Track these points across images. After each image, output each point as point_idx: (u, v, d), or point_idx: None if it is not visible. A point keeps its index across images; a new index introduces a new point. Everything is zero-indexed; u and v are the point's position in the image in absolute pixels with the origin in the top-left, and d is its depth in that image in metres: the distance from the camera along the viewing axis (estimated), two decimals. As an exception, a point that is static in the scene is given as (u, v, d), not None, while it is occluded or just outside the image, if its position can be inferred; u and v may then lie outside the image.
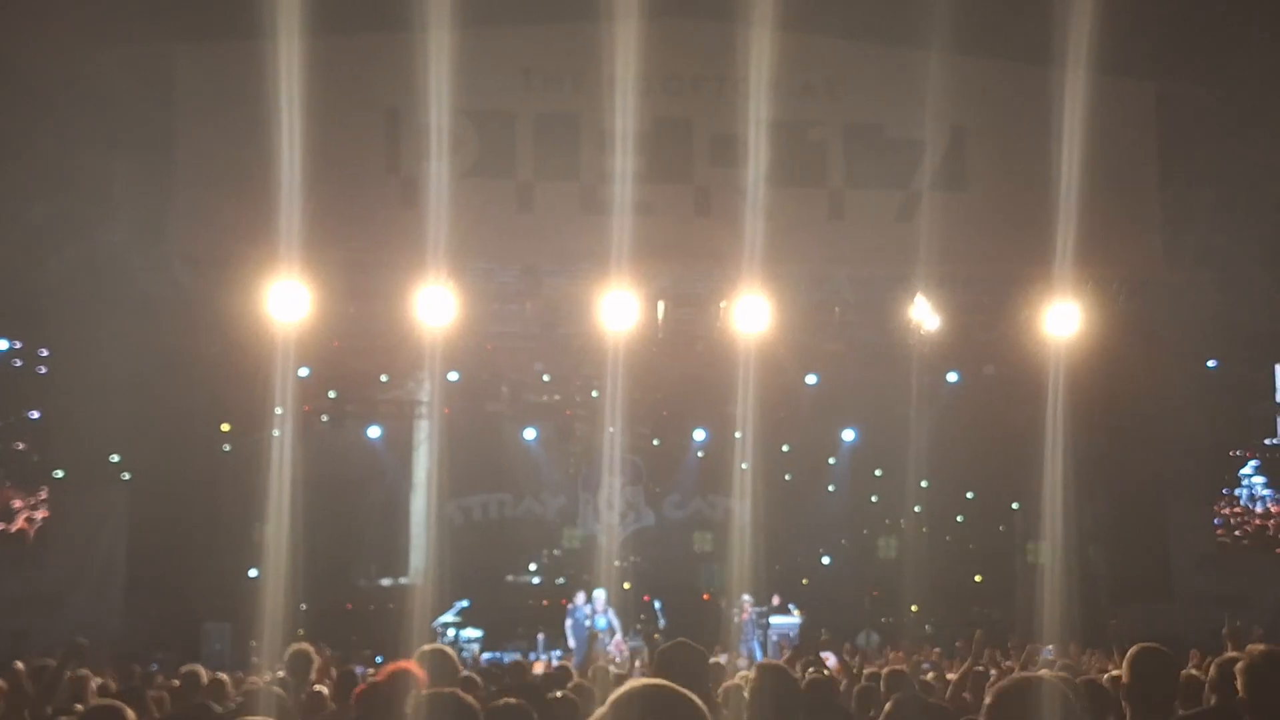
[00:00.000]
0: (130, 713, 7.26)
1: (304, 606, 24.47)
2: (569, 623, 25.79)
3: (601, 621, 25.78)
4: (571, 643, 25.14)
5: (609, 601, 25.85)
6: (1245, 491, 28.13)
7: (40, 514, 25.05)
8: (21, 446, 25.54)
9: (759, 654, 23.93)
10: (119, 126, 21.30)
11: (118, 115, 21.12)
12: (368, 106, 21.54)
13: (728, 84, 21.36)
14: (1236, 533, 27.68)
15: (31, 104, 20.63)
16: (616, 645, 24.76)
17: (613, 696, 4.19)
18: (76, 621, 22.00)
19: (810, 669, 11.15)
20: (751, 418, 23.40)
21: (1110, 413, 24.84)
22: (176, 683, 12.39)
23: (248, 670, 13.27)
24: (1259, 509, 28.00)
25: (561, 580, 31.01)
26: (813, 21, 21.04)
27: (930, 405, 27.00)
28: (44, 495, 25.22)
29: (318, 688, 10.86)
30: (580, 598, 26.11)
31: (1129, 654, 7.50)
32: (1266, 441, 28.24)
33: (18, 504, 25.01)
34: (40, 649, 15.94)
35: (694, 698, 4.17)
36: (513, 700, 7.73)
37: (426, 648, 8.28)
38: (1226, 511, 27.80)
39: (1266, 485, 28.09)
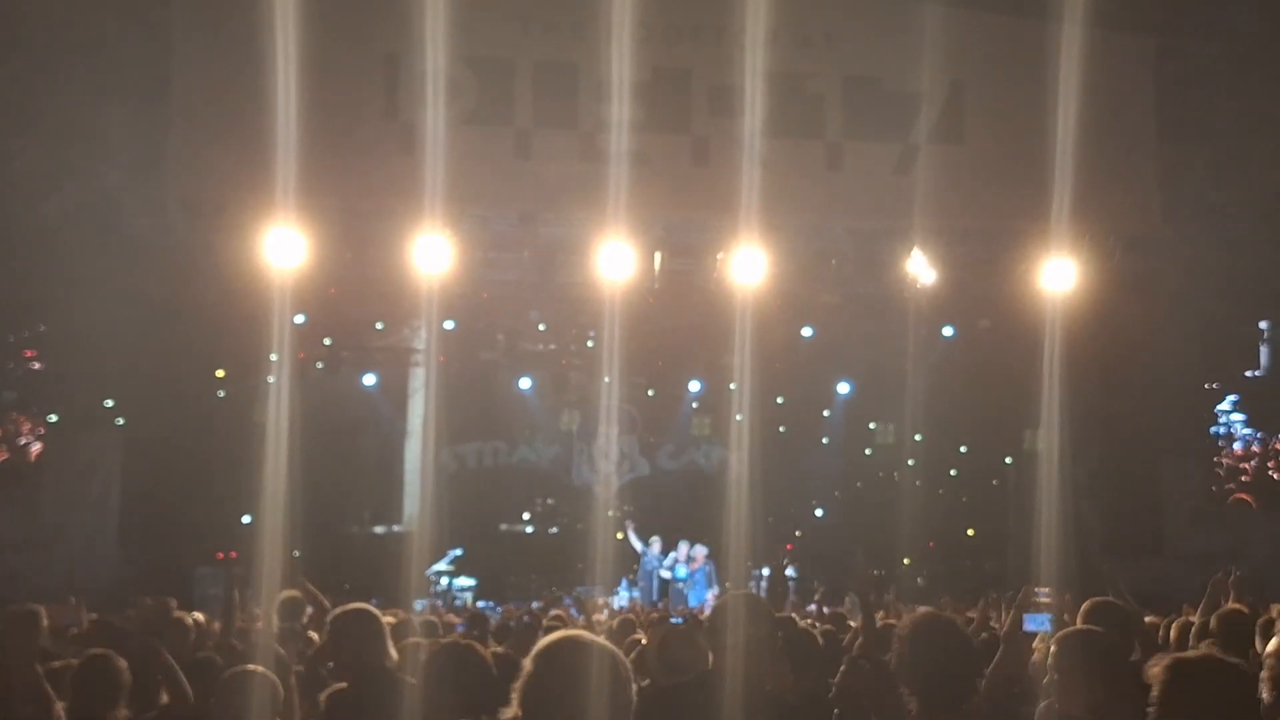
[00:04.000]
0: (122, 662, 7.30)
1: (297, 553, 24.49)
2: (639, 570, 26.12)
3: (681, 571, 26.06)
4: (636, 593, 25.41)
5: (699, 552, 26.20)
6: (1223, 429, 28.16)
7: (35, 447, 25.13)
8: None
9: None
10: (115, 70, 21.21)
11: (114, 57, 21.03)
12: (366, 52, 21.47)
13: (726, 34, 21.26)
14: (1224, 485, 27.74)
15: (28, 45, 20.54)
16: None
17: (534, 650, 4.41)
18: (69, 565, 22.10)
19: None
20: (747, 369, 23.41)
21: (1105, 368, 24.88)
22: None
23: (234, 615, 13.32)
24: (1238, 448, 28.01)
25: (554, 529, 31.09)
26: (813, -27, 21.04)
27: (925, 359, 27.04)
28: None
29: (311, 634, 10.88)
30: (655, 545, 26.45)
31: (1081, 609, 7.51)
32: (1247, 374, 28.18)
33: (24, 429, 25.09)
34: (32, 593, 15.98)
35: (613, 648, 4.40)
36: (460, 640, 7.73)
37: (345, 608, 8.13)
38: (1224, 459, 27.83)
39: (1246, 424, 28.12)
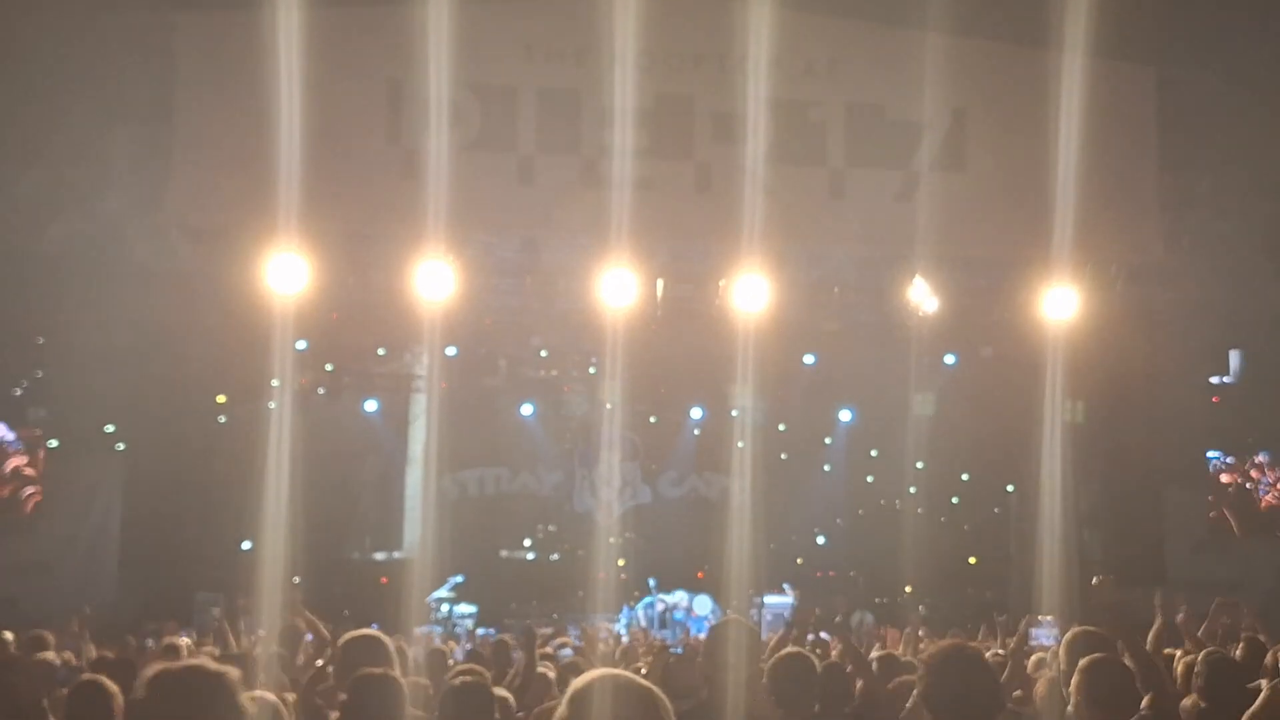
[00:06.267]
0: (114, 687, 7.26)
1: (297, 579, 24.44)
2: (640, 612, 26.16)
3: (680, 615, 26.16)
4: (639, 620, 25.52)
5: (703, 605, 26.32)
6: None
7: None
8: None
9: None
10: (118, 95, 21.23)
11: (116, 84, 21.04)
12: (369, 78, 21.49)
13: (729, 62, 21.31)
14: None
15: (29, 71, 20.55)
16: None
17: (569, 691, 4.11)
18: (68, 590, 22.07)
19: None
20: (749, 396, 23.42)
21: (1107, 396, 24.88)
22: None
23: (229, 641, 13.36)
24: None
25: (556, 556, 31.02)
26: (815, 1, 21.05)
27: (927, 386, 27.04)
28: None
29: (319, 662, 10.84)
30: (653, 585, 26.60)
31: (1066, 638, 7.54)
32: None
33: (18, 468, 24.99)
34: (31, 618, 15.95)
35: (653, 689, 4.10)
36: (469, 677, 7.69)
37: (357, 633, 8.20)
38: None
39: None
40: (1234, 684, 7.66)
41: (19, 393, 25.32)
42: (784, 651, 7.56)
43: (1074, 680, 6.65)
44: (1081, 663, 6.73)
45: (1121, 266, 23.23)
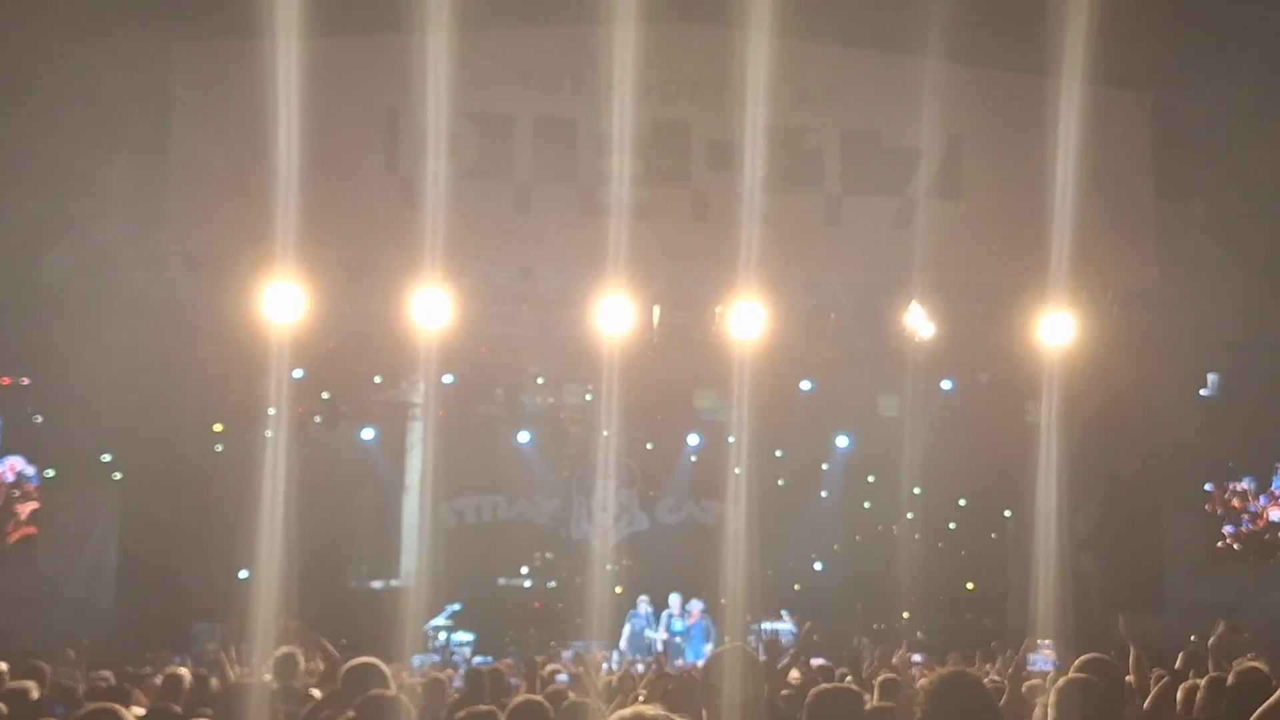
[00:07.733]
0: (125, 712, 7.22)
1: (294, 608, 24.38)
2: (626, 630, 25.96)
3: (678, 625, 25.95)
4: (627, 652, 25.32)
5: (695, 607, 26.08)
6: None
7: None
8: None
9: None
10: (114, 124, 21.25)
11: (113, 112, 21.07)
12: (366, 107, 21.50)
13: (726, 89, 21.35)
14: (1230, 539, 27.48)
15: (26, 100, 20.58)
16: None
17: None
18: (65, 621, 21.99)
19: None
20: (746, 423, 23.39)
21: (1104, 421, 24.86)
22: (159, 681, 12.46)
23: (235, 669, 13.31)
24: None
25: (553, 584, 30.94)
26: (811, 28, 21.09)
27: (924, 412, 27.02)
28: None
29: (314, 691, 10.82)
30: (642, 605, 26.34)
31: (1076, 665, 7.55)
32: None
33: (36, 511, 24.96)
34: (27, 649, 15.90)
35: None
36: (482, 709, 7.70)
37: (355, 661, 8.27)
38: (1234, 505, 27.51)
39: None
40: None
41: (39, 420, 25.22)
42: (828, 686, 7.52)
43: (1050, 699, 6.65)
44: (1058, 683, 6.75)
45: (1117, 292, 23.25)
